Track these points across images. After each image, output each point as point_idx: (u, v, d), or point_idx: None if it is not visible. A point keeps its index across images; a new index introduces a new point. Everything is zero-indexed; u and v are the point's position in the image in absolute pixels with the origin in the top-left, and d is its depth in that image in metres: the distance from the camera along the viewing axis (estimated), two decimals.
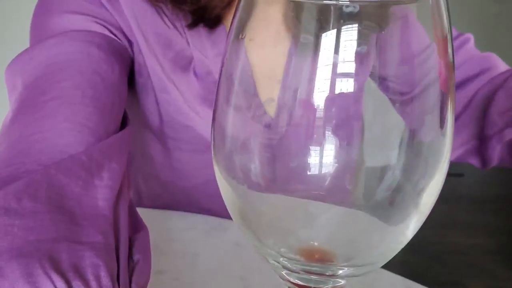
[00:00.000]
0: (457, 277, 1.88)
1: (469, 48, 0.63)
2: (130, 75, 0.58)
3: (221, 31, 0.55)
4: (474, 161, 0.64)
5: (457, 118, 0.61)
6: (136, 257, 0.35)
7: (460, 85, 0.61)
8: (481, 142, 0.60)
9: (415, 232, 0.25)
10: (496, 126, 0.57)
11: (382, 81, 0.22)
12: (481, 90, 0.59)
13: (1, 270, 0.28)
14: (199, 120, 0.58)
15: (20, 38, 0.71)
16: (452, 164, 0.25)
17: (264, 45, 0.23)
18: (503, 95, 0.56)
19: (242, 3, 0.23)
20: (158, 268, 0.47)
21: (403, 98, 0.22)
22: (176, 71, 0.56)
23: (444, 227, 2.16)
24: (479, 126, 0.59)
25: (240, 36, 0.23)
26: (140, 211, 0.42)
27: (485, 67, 0.62)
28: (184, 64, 0.56)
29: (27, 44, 0.54)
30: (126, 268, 0.33)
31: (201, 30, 0.55)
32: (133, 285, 0.32)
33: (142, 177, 0.69)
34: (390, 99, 0.22)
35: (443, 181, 0.24)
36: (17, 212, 0.32)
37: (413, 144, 0.23)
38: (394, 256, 0.26)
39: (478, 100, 0.59)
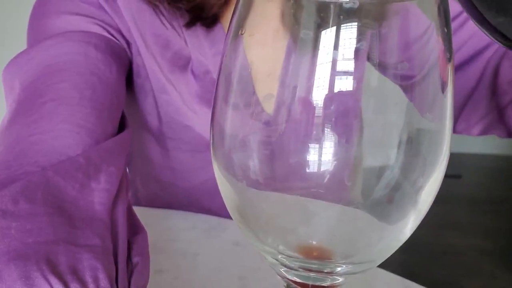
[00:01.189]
0: (455, 278, 1.88)
1: None
2: (128, 77, 0.58)
3: (218, 30, 0.55)
4: (498, 132, 0.62)
5: (472, 92, 0.60)
6: (135, 259, 0.35)
7: (470, 59, 0.60)
8: (499, 112, 0.59)
9: (413, 230, 0.25)
10: (508, 95, 0.56)
11: (388, 69, 0.22)
12: (491, 61, 0.58)
13: None
14: (198, 119, 0.58)
15: (18, 39, 0.71)
16: (450, 166, 0.25)
17: (263, 42, 0.23)
18: (507, 64, 0.55)
19: (241, 0, 0.23)
20: (158, 268, 0.47)
21: (412, 81, 0.22)
22: (174, 71, 0.56)
23: (442, 228, 2.17)
24: (495, 97, 0.58)
25: (240, 32, 0.23)
26: (140, 210, 0.42)
27: None
28: (182, 64, 0.56)
29: (25, 45, 0.54)
30: (125, 270, 0.33)
31: (199, 30, 0.55)
32: (132, 287, 0.32)
33: (140, 178, 0.69)
34: (400, 85, 0.22)
35: (442, 179, 0.24)
36: (14, 214, 0.31)
37: (412, 142, 0.23)
38: (392, 256, 0.26)
39: (489, 71, 0.58)
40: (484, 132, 0.63)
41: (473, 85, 0.60)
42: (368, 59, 0.22)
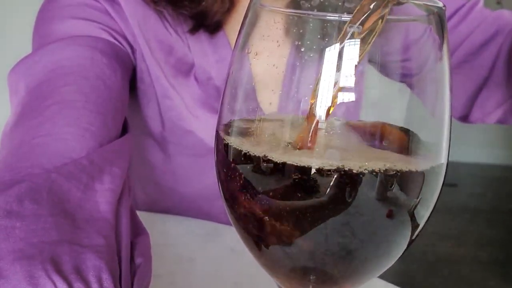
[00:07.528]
0: (449, 287, 1.89)
1: (480, 10, 0.61)
2: (131, 82, 0.58)
3: (221, 37, 0.56)
4: None
5: (486, 80, 0.59)
6: (137, 260, 0.35)
7: (480, 48, 0.59)
8: None
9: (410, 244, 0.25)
10: None
11: (393, 70, 0.22)
12: (502, 48, 0.57)
13: (4, 272, 0.28)
14: (200, 124, 0.59)
15: (22, 42, 0.72)
16: (446, 175, 0.26)
17: (268, 58, 0.23)
18: None
19: (248, 18, 0.24)
20: (154, 272, 0.47)
21: (417, 78, 0.23)
22: (178, 77, 0.57)
23: (437, 237, 2.17)
24: (511, 83, 0.57)
25: (246, 51, 0.24)
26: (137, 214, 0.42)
27: (501, 25, 0.58)
28: (186, 69, 0.57)
29: (29, 49, 0.54)
30: (128, 271, 0.33)
31: (202, 36, 0.55)
32: (135, 287, 0.33)
33: (140, 183, 0.69)
34: (406, 84, 0.23)
35: (438, 194, 0.25)
36: (19, 215, 0.32)
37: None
38: None
39: (503, 58, 0.57)
40: (502, 120, 0.61)
41: (487, 73, 0.58)
42: (370, 61, 0.23)
